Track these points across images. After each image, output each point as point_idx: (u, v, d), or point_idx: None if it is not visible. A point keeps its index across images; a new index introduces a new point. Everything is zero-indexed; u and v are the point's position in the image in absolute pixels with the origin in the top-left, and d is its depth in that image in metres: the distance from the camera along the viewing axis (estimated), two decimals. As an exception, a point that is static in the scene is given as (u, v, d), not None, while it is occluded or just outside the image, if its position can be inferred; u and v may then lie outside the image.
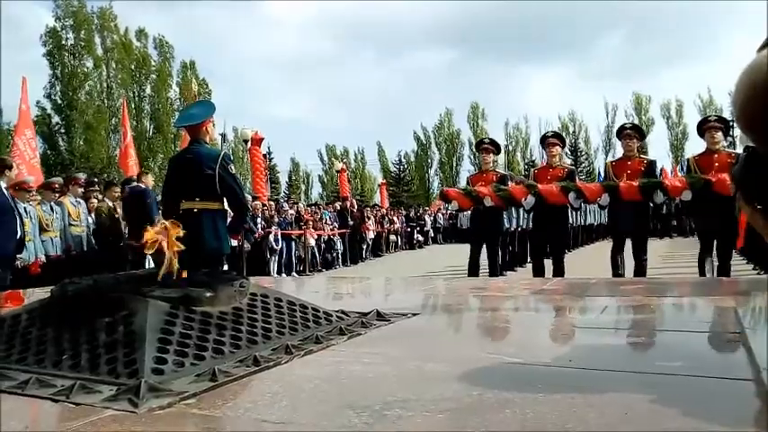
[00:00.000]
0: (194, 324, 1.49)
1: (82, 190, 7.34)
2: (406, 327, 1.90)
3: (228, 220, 4.40)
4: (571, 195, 5.95)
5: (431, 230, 22.39)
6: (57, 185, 7.05)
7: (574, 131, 45.20)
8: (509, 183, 6.86)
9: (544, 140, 6.72)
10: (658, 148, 48.75)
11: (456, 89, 64.26)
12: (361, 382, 1.26)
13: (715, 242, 5.53)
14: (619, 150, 6.53)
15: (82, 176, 7.88)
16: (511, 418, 0.99)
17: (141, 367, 1.27)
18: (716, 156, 5.63)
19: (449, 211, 20.74)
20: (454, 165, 45.81)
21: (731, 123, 6.23)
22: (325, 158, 46.90)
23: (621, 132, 6.24)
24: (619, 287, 2.69)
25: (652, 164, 6.21)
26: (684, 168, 6.09)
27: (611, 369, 1.31)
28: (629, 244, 5.87)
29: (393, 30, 67.27)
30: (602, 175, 7.25)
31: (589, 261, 9.61)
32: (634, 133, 6.21)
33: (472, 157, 42.81)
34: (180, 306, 1.52)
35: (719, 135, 5.70)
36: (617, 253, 5.86)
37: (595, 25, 63.63)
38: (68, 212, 6.84)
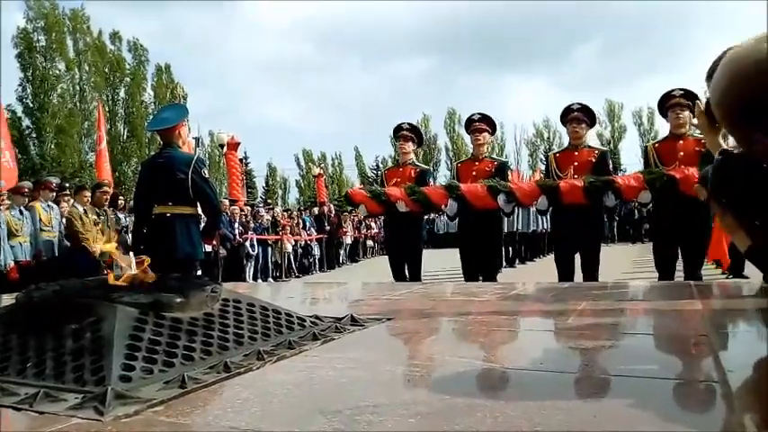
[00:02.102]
0: (164, 330, 1.46)
1: (53, 194, 7.20)
2: (380, 331, 1.89)
3: (202, 224, 4.35)
4: (500, 198, 4.75)
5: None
6: (26, 189, 6.91)
7: (548, 137, 45.81)
8: (429, 181, 5.61)
9: (469, 125, 5.38)
10: (630, 155, 49.65)
11: (433, 96, 64.96)
12: (333, 387, 1.26)
13: (680, 250, 4.39)
14: (565, 139, 5.12)
15: (53, 181, 7.72)
16: (481, 421, 0.99)
17: (108, 374, 1.24)
18: (681, 142, 4.46)
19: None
20: (432, 170, 45.98)
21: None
22: (303, 163, 46.80)
23: (567, 115, 4.90)
24: (590, 291, 2.72)
25: (604, 156, 4.93)
26: (642, 160, 4.76)
27: (581, 372, 1.33)
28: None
29: (373, 36, 67.75)
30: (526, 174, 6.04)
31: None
32: (583, 116, 4.87)
33: (449, 162, 43.14)
34: (149, 312, 1.50)
35: (686, 114, 4.41)
36: (563, 272, 4.65)
37: (570, 37, 64.73)
38: (39, 217, 6.70)
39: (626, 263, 10.80)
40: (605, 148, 5.44)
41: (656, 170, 4.39)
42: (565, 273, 4.65)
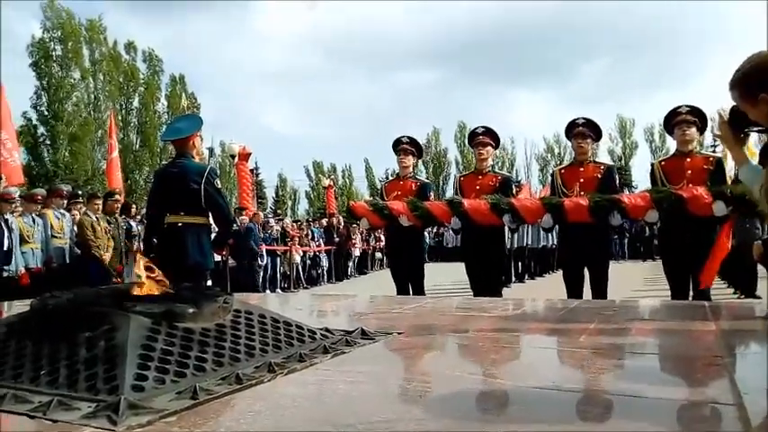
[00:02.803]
0: (176, 340, 1.47)
1: (65, 202, 7.26)
2: (390, 345, 1.89)
3: (213, 235, 4.37)
4: (506, 218, 4.64)
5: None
6: (39, 197, 6.97)
7: (559, 153, 45.70)
8: (430, 195, 5.51)
9: (473, 138, 5.23)
10: (641, 172, 49.42)
11: (443, 109, 65.06)
12: (343, 400, 1.26)
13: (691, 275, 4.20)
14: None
15: (65, 188, 7.79)
16: (494, 439, 0.99)
17: (121, 384, 1.25)
18: (688, 160, 4.33)
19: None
20: (441, 183, 46.01)
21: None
22: (313, 175, 46.96)
23: (572, 130, 4.77)
24: (600, 310, 2.70)
25: (611, 171, 4.81)
26: (649, 177, 4.66)
27: (592, 392, 1.32)
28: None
29: (383, 48, 67.96)
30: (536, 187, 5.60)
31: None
32: (588, 131, 4.73)
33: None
34: (162, 321, 1.51)
35: (693, 132, 4.35)
36: (572, 290, 4.55)
37: (580, 52, 64.83)
38: (51, 225, 6.76)
39: (637, 280, 10.72)
40: (612, 163, 5.22)
41: (663, 189, 4.25)
42: (574, 290, 4.55)
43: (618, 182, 4.96)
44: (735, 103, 2.04)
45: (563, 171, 4.90)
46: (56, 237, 6.80)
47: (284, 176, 47.14)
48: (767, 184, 1.71)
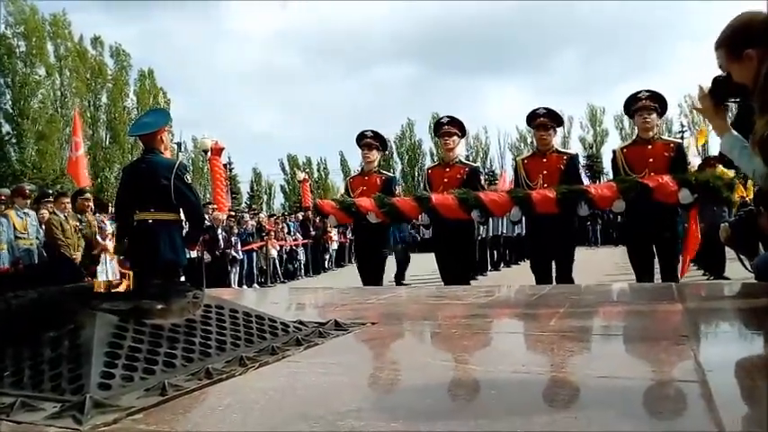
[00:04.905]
0: (144, 337, 1.45)
1: (27, 201, 7.09)
2: (363, 336, 1.89)
3: (185, 230, 4.32)
4: (474, 213, 4.61)
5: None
6: (3, 197, 6.81)
7: (531, 142, 46.10)
8: (396, 189, 5.51)
9: (438, 128, 5.17)
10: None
11: (418, 102, 65.23)
12: (315, 392, 1.25)
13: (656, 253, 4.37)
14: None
15: (28, 188, 7.62)
16: (463, 423, 0.99)
17: (87, 383, 1.23)
18: (649, 147, 4.36)
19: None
20: (416, 175, 46.11)
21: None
22: (288, 169, 46.65)
23: (533, 120, 4.75)
24: (571, 294, 2.74)
25: (573, 160, 4.82)
26: (611, 165, 4.73)
27: (562, 374, 1.33)
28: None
29: (356, 45, 67.79)
30: (512, 176, 5.54)
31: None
32: (549, 121, 4.71)
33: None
34: (130, 319, 1.48)
35: (653, 118, 4.38)
36: (540, 278, 4.61)
37: (551, 43, 65.47)
38: (14, 225, 6.60)
39: (609, 266, 10.90)
40: (574, 153, 5.20)
41: (629, 178, 4.29)
42: (542, 279, 4.60)
43: (584, 171, 5.02)
44: (717, 73, 2.09)
45: (526, 162, 4.86)
46: (20, 237, 6.66)
47: (259, 171, 46.78)
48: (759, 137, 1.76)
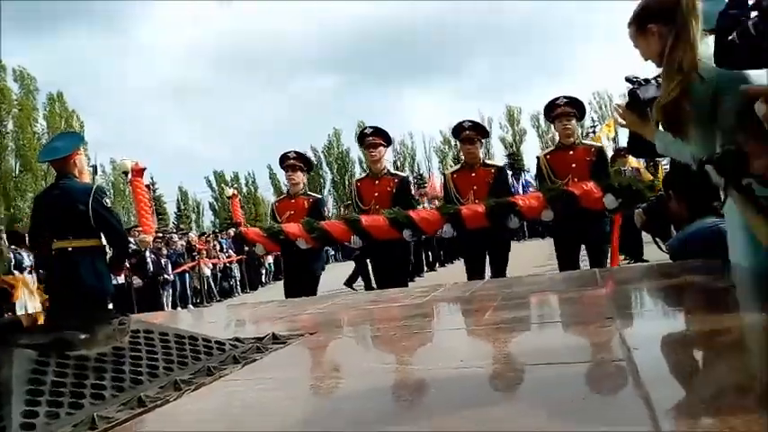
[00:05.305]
0: (69, 370, 1.37)
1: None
2: (302, 347, 1.87)
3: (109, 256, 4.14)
4: (406, 232, 4.53)
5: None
6: None
7: (455, 144, 47.22)
8: (323, 209, 5.40)
9: (362, 140, 5.02)
10: (531, 157, 52.23)
11: (343, 111, 65.60)
12: (254, 410, 1.22)
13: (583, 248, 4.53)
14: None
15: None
16: (409, 423, 1.00)
17: (8, 425, 1.15)
18: (571, 153, 4.49)
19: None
20: (346, 183, 46.15)
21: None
22: (215, 185, 45.59)
23: (459, 134, 4.76)
24: (503, 287, 2.82)
25: (502, 172, 4.87)
26: (536, 171, 4.82)
27: (498, 365, 1.37)
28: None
29: (273, 57, 67.31)
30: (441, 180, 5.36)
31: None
32: (475, 134, 4.71)
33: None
34: (51, 352, 1.40)
35: (573, 123, 4.51)
36: (473, 274, 4.61)
37: (463, 52, 67.72)
38: None
39: (539, 257, 11.27)
40: (501, 164, 5.25)
41: (554, 187, 4.36)
42: (475, 274, 4.64)
43: (510, 177, 5.10)
44: (624, 73, 2.21)
45: (455, 176, 4.82)
46: (-73, 276, 6.17)
47: (185, 189, 45.48)
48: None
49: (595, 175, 4.36)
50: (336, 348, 1.86)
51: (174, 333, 1.73)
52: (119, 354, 1.51)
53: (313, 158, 46.83)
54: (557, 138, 4.88)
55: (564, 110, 4.48)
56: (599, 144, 4.80)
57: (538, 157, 4.75)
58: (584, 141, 4.82)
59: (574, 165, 4.42)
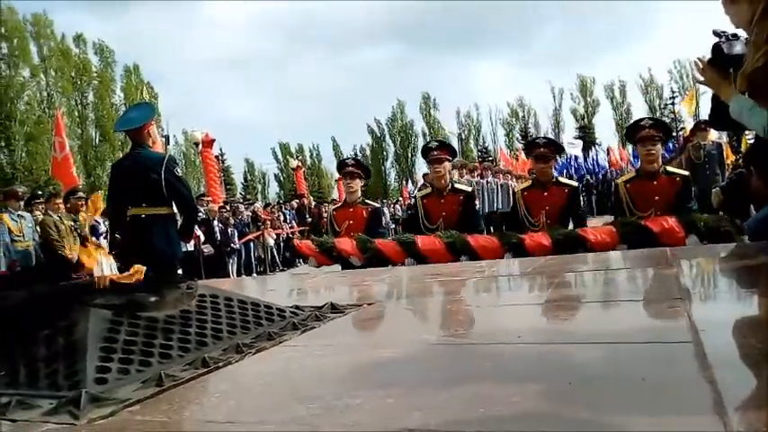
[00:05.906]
0: (139, 330, 1.45)
1: (21, 204, 7.06)
2: (360, 316, 1.89)
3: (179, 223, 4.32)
4: (463, 259, 4.13)
5: (390, 223, 22.48)
6: (-5, 200, 6.79)
7: (523, 116, 46.12)
8: (383, 219, 5.24)
9: (427, 154, 4.77)
10: (604, 128, 50.26)
11: (405, 83, 65.03)
12: (312, 374, 1.25)
13: None
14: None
15: (20, 190, 7.57)
16: (458, 395, 0.99)
17: (83, 378, 1.23)
18: (655, 183, 4.03)
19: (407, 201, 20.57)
20: (409, 156, 46.08)
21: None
22: (280, 157, 46.53)
23: (533, 150, 4.52)
24: (565, 264, 2.75)
25: (575, 193, 4.55)
26: (614, 197, 4.46)
27: (557, 342, 1.34)
28: None
29: (339, 29, 67.40)
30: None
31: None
32: (549, 152, 4.44)
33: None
34: (124, 312, 1.48)
35: (658, 148, 4.07)
36: None
37: (530, 19, 65.32)
38: (9, 228, 6.58)
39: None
40: (575, 184, 4.81)
41: (630, 221, 3.92)
42: None
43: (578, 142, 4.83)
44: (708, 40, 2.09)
45: (526, 193, 4.51)
46: (16, 240, 6.63)
47: (251, 161, 46.68)
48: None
49: (678, 208, 3.94)
50: (393, 319, 1.88)
51: (237, 299, 1.79)
52: (186, 316, 1.58)
53: (376, 130, 47.09)
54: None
55: (649, 132, 4.06)
56: (685, 173, 4.28)
57: (617, 184, 4.38)
58: (668, 169, 4.33)
59: (657, 197, 4.00)
